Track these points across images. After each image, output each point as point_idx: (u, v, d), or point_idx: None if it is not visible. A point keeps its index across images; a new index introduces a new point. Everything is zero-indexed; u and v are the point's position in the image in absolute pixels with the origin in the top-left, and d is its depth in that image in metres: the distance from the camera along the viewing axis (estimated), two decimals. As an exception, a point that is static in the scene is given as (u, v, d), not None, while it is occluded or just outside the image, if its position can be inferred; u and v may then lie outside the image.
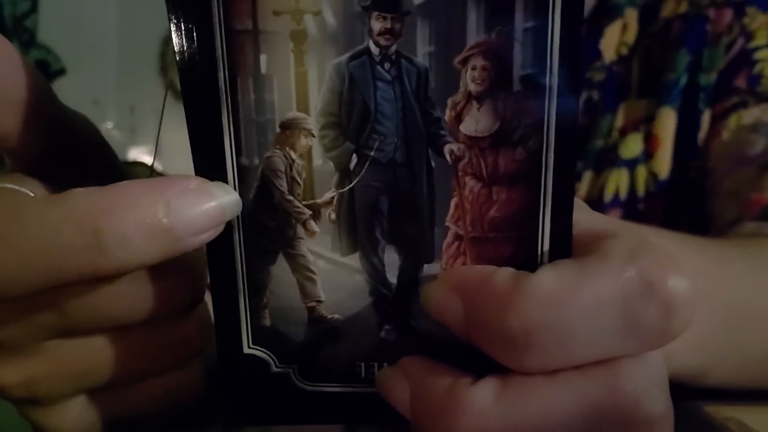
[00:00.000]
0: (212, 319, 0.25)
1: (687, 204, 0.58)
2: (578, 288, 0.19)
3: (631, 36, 0.61)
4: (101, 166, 0.28)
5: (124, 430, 0.27)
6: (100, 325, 0.23)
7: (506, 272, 0.20)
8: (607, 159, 0.59)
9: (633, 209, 0.59)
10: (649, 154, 0.59)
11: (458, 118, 0.21)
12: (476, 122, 0.21)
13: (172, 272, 0.23)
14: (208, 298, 0.26)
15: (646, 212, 0.59)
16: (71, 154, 0.26)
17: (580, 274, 0.20)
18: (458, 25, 0.21)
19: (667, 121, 0.58)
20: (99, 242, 0.19)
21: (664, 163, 0.58)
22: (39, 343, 0.23)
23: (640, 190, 0.59)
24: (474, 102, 0.21)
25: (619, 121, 0.60)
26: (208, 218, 0.21)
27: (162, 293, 0.23)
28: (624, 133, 0.60)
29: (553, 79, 0.20)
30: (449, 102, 0.21)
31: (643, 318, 0.19)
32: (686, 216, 0.58)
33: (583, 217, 0.22)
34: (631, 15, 0.61)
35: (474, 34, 0.20)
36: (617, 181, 0.59)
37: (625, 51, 0.61)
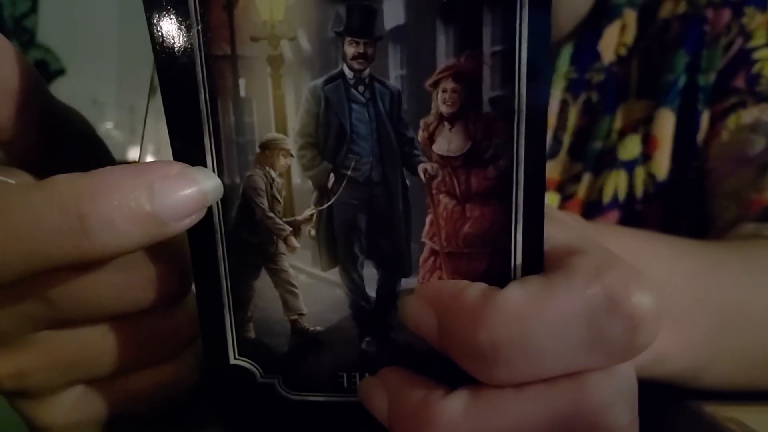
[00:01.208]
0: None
1: (686, 205, 0.58)
2: (544, 304, 0.20)
3: (629, 37, 0.61)
4: (94, 161, 0.28)
5: (120, 427, 0.28)
6: (88, 315, 0.23)
7: (477, 287, 0.21)
8: (606, 160, 0.59)
9: (631, 210, 0.59)
10: (647, 156, 0.58)
11: (431, 139, 0.22)
12: (448, 142, 0.22)
13: (158, 261, 0.23)
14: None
15: (645, 213, 0.59)
16: (63, 147, 0.26)
17: (546, 290, 0.20)
18: (428, 50, 0.21)
19: (666, 122, 0.58)
20: (83, 226, 0.19)
21: (662, 165, 0.58)
22: (28, 335, 0.23)
23: (639, 191, 0.59)
24: (445, 123, 0.22)
25: (618, 122, 0.60)
26: (190, 202, 0.21)
27: (149, 282, 0.23)
28: (623, 134, 0.59)
29: (521, 100, 0.21)
30: (422, 123, 0.22)
31: (608, 333, 0.20)
32: (685, 217, 0.58)
33: (555, 231, 0.23)
34: (630, 16, 0.61)
35: (444, 58, 0.21)
36: (616, 183, 0.59)
37: (623, 52, 0.61)
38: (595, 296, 0.20)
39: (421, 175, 0.22)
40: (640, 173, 0.59)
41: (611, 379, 0.21)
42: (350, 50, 0.21)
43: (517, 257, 0.22)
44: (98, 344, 0.24)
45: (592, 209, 0.59)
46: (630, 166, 0.59)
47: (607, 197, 0.59)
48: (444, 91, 0.21)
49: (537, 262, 0.22)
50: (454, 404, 0.21)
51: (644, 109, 0.59)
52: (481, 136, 0.22)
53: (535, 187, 0.22)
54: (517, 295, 0.20)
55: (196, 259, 0.24)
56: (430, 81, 0.21)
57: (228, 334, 0.24)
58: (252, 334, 0.25)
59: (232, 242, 0.23)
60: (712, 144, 0.57)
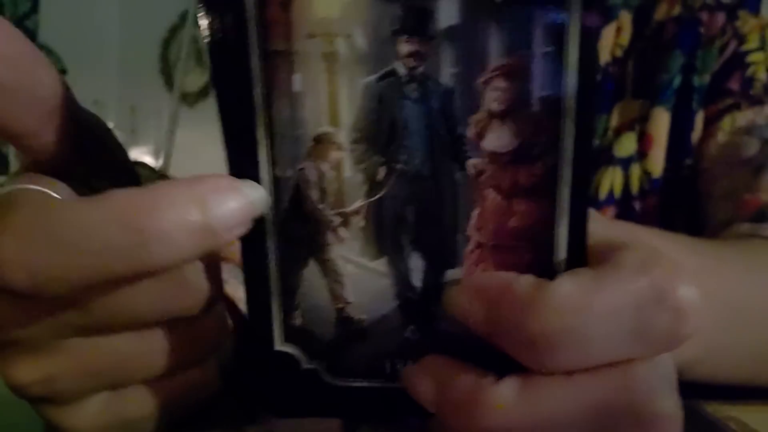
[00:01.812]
0: (228, 317, 0.26)
1: (681, 202, 0.59)
2: (595, 295, 0.21)
3: (625, 38, 0.62)
4: (113, 165, 0.28)
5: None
6: (121, 323, 0.24)
7: (527, 279, 0.22)
8: (602, 158, 0.60)
9: (627, 207, 0.59)
10: (642, 153, 0.59)
11: (480, 135, 0.23)
12: (497, 139, 0.23)
13: (192, 270, 0.24)
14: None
15: (641, 210, 0.60)
16: (86, 153, 0.26)
17: (596, 283, 0.21)
18: (481, 49, 0.22)
19: (661, 121, 0.58)
20: (142, 240, 0.20)
21: (657, 162, 0.59)
22: (58, 341, 0.24)
23: (634, 188, 0.59)
24: (495, 120, 0.22)
25: (614, 121, 0.60)
26: (240, 213, 0.22)
27: (183, 290, 0.24)
28: (619, 132, 0.60)
29: (569, 99, 0.22)
30: (472, 120, 0.23)
31: (655, 324, 0.21)
32: (680, 213, 0.59)
33: (598, 227, 0.23)
34: (626, 17, 0.62)
35: (495, 57, 0.22)
36: (612, 180, 0.60)
37: (619, 53, 0.62)
38: (643, 289, 0.21)
39: (470, 170, 0.23)
40: (635, 170, 0.59)
41: (656, 368, 0.22)
42: (404, 48, 0.22)
43: (561, 252, 0.23)
44: (128, 351, 0.25)
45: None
46: (626, 163, 0.60)
47: (603, 193, 0.60)
48: (495, 90, 0.22)
49: (580, 256, 0.23)
50: (506, 390, 0.22)
51: (640, 108, 0.60)
52: (530, 133, 0.22)
53: (581, 184, 0.23)
54: (569, 286, 0.21)
55: (246, 248, 0.24)
56: (481, 79, 0.22)
57: (274, 321, 0.25)
58: (298, 322, 0.25)
59: (282, 232, 0.24)
60: (706, 145, 0.58)
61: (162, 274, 0.23)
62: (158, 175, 0.29)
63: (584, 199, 0.23)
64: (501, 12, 0.22)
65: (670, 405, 0.21)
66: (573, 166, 0.22)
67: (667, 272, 0.21)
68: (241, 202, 0.22)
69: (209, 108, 0.24)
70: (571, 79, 0.22)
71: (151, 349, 0.25)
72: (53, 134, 0.24)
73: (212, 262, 0.24)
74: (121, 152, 0.29)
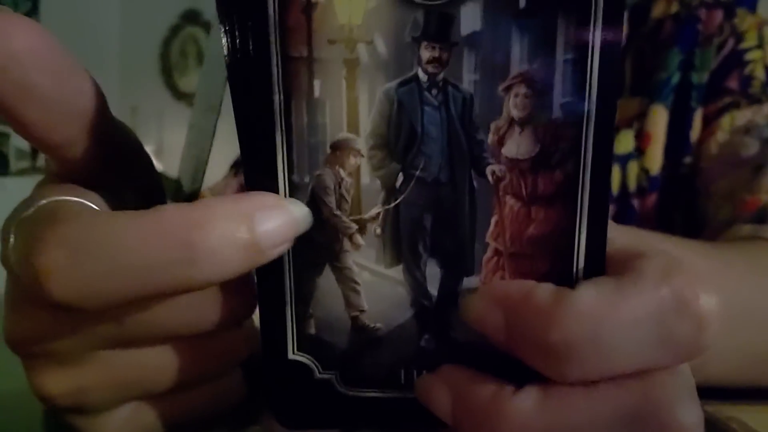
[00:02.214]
0: (257, 327, 0.26)
1: (678, 199, 0.59)
2: (616, 305, 0.21)
3: None
4: (140, 174, 0.29)
5: None
6: (154, 337, 0.24)
7: (547, 287, 0.22)
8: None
9: (625, 204, 0.60)
10: (640, 151, 0.60)
11: (500, 142, 0.23)
12: (517, 146, 0.23)
13: (225, 285, 0.24)
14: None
15: (638, 207, 0.60)
16: (115, 162, 0.26)
17: (617, 292, 0.21)
18: (502, 55, 0.22)
19: (659, 119, 0.59)
20: (192, 255, 0.20)
21: (655, 160, 0.59)
22: (89, 353, 0.24)
23: (632, 185, 0.60)
24: (516, 127, 0.22)
25: None
26: (285, 230, 0.22)
27: (216, 305, 0.24)
28: (617, 130, 0.60)
29: (591, 107, 0.22)
30: (492, 126, 0.23)
31: (677, 333, 0.21)
32: (678, 211, 0.60)
33: (617, 235, 0.23)
34: None
35: (517, 64, 0.22)
36: None
37: None
38: (665, 298, 0.21)
39: (489, 177, 0.23)
40: (633, 168, 0.60)
41: (677, 378, 0.21)
42: (426, 54, 0.22)
43: (580, 260, 0.23)
44: (158, 364, 0.25)
45: None
46: (623, 161, 0.60)
47: None
48: (516, 96, 0.22)
49: (599, 264, 0.23)
50: (526, 400, 0.22)
51: (638, 105, 0.60)
52: (550, 140, 0.22)
53: (600, 192, 0.22)
54: (590, 295, 0.21)
55: None
56: (503, 86, 0.22)
57: (288, 329, 0.25)
58: (312, 330, 0.25)
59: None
60: (705, 144, 0.58)
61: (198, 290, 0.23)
62: (176, 185, 0.29)
63: (604, 206, 0.23)
64: (523, 18, 0.22)
65: (692, 414, 0.21)
66: (593, 173, 0.22)
67: (688, 281, 0.21)
68: (286, 219, 0.22)
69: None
70: (593, 87, 0.22)
71: (179, 361, 0.25)
72: (88, 145, 0.24)
73: (245, 277, 0.24)
74: (145, 156, 0.29)
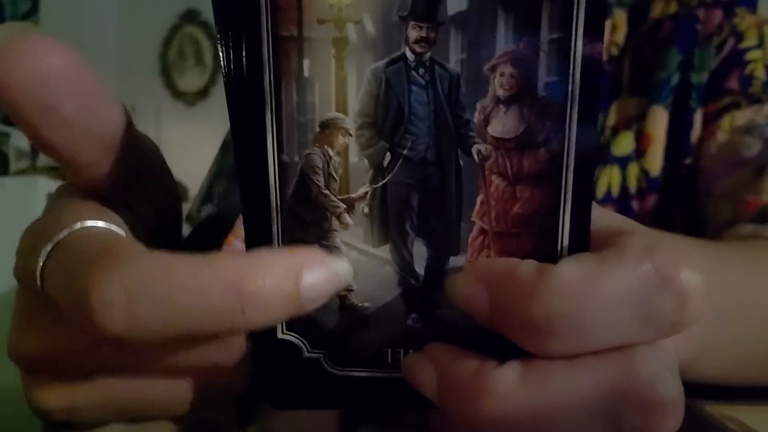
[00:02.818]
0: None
1: (679, 201, 0.59)
2: (598, 279, 0.21)
3: (620, 36, 0.62)
4: (161, 190, 0.29)
5: None
6: (156, 368, 0.25)
7: (530, 264, 0.22)
8: (600, 157, 0.61)
9: (625, 206, 0.60)
10: (640, 152, 0.60)
11: (486, 121, 0.23)
12: (503, 125, 0.23)
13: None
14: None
15: (638, 209, 0.60)
16: (137, 180, 0.27)
17: (599, 267, 0.21)
18: (488, 35, 0.22)
19: (659, 119, 0.59)
20: (242, 305, 0.21)
21: (655, 161, 0.59)
22: (89, 374, 0.24)
23: (632, 186, 0.60)
24: (501, 106, 0.23)
25: (611, 119, 0.61)
26: (327, 287, 0.22)
27: (227, 349, 0.24)
28: (616, 131, 0.61)
29: (574, 86, 0.22)
30: (478, 106, 0.23)
31: (658, 308, 0.21)
32: (678, 212, 0.60)
33: (601, 215, 0.24)
34: (620, 16, 0.62)
35: (503, 44, 0.22)
36: (609, 178, 0.60)
37: (615, 51, 0.62)
38: (647, 273, 0.21)
39: (475, 156, 0.23)
40: (633, 169, 0.60)
41: (658, 353, 0.22)
42: (413, 34, 0.22)
43: (565, 238, 0.23)
44: (154, 393, 0.25)
45: None
46: (623, 162, 0.60)
47: (600, 192, 0.60)
48: (501, 75, 0.22)
49: (584, 243, 0.23)
50: (508, 374, 0.22)
51: (637, 106, 0.60)
52: (535, 119, 0.23)
53: (585, 171, 0.23)
54: (572, 270, 0.21)
55: (249, 233, 0.24)
56: (488, 65, 0.22)
57: None
58: None
59: (286, 218, 0.24)
60: (706, 144, 0.58)
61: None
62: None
63: (588, 185, 0.23)
64: None
65: (673, 388, 0.21)
66: (577, 152, 0.23)
67: (671, 257, 0.21)
68: (330, 276, 0.23)
69: (209, 108, 0.24)
70: (576, 66, 0.22)
71: (178, 393, 0.25)
72: (112, 167, 0.25)
73: None
74: (167, 174, 0.30)
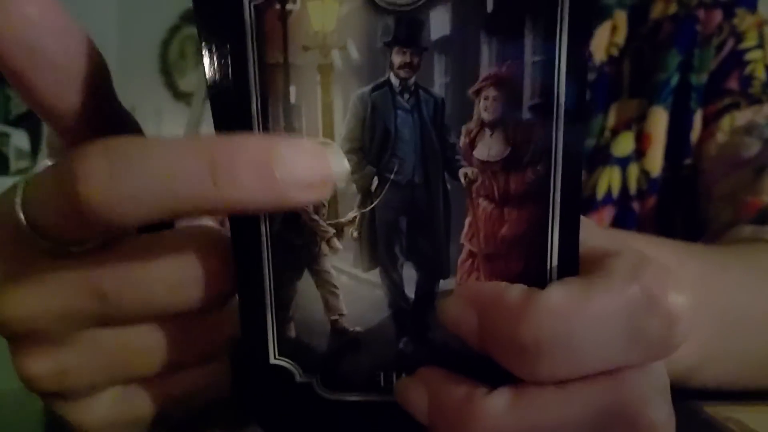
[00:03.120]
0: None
1: (679, 201, 0.59)
2: (585, 303, 0.21)
3: (620, 37, 0.62)
4: None
5: (155, 429, 0.28)
6: (137, 314, 0.24)
7: (518, 288, 0.22)
8: (599, 157, 0.60)
9: (625, 207, 0.60)
10: (640, 153, 0.60)
11: (472, 144, 0.23)
12: (488, 148, 0.23)
13: (209, 260, 0.24)
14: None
15: (639, 210, 0.60)
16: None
17: (586, 290, 0.21)
18: (472, 59, 0.22)
19: (659, 120, 0.59)
20: (213, 174, 0.20)
21: (655, 162, 0.59)
22: (74, 333, 0.24)
23: (632, 187, 0.60)
24: (486, 129, 0.23)
25: (611, 120, 0.61)
26: (313, 174, 0.21)
27: (200, 281, 0.24)
28: (616, 132, 0.61)
29: (559, 107, 0.22)
30: (463, 129, 0.23)
31: (647, 330, 0.21)
32: (679, 213, 0.59)
33: (590, 235, 0.24)
34: (620, 16, 0.62)
35: (486, 67, 0.22)
36: (609, 179, 0.60)
37: (615, 52, 0.62)
38: (634, 295, 0.21)
39: (462, 179, 0.23)
40: (633, 170, 0.60)
41: (648, 376, 0.22)
42: (397, 59, 0.22)
43: (554, 259, 0.23)
44: (142, 344, 0.25)
45: (585, 205, 0.60)
46: (623, 163, 0.60)
47: (600, 193, 0.60)
48: (486, 99, 0.22)
49: (573, 263, 0.23)
50: (498, 401, 0.22)
51: (637, 107, 0.60)
52: (520, 141, 0.23)
53: (572, 191, 0.23)
54: (559, 294, 0.21)
55: (240, 260, 0.24)
56: (472, 89, 0.22)
57: (269, 333, 0.25)
58: (293, 334, 0.25)
59: (276, 243, 0.24)
60: (706, 145, 0.58)
61: (179, 264, 0.23)
62: None
63: (576, 205, 0.23)
64: (491, 22, 0.22)
65: (663, 413, 0.21)
66: (564, 173, 0.22)
67: (657, 278, 0.21)
68: (318, 165, 0.22)
69: (209, 108, 0.24)
70: (561, 87, 0.22)
71: (163, 342, 0.25)
72: (92, 115, 0.24)
73: (227, 255, 0.24)
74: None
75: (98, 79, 0.24)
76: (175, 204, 0.21)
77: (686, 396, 0.36)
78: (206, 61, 0.22)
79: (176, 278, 0.24)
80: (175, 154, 0.21)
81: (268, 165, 0.21)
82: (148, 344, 0.25)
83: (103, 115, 0.25)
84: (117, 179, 0.20)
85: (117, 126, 0.26)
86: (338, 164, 0.22)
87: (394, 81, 0.23)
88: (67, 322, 0.24)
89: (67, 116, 0.24)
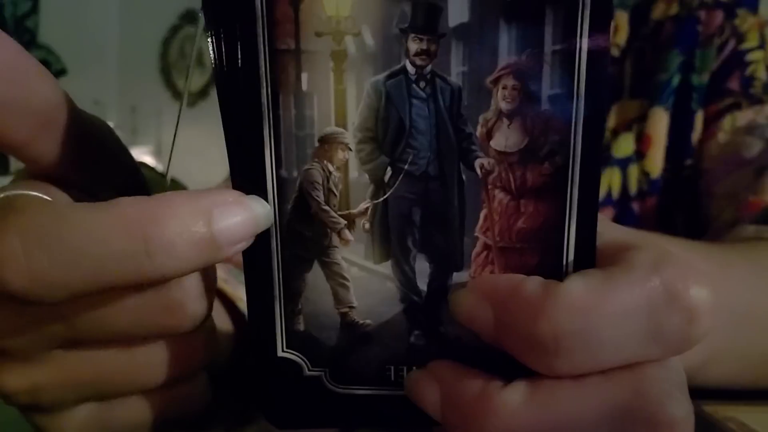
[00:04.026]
0: (217, 332, 0.26)
1: (680, 203, 0.59)
2: (605, 296, 0.20)
3: (622, 37, 0.62)
4: (117, 170, 0.28)
5: None
6: (107, 338, 0.24)
7: (536, 280, 0.22)
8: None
9: (625, 208, 0.59)
10: (641, 154, 0.59)
11: (489, 135, 0.22)
12: (506, 138, 0.22)
13: (179, 286, 0.23)
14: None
15: (639, 211, 0.59)
16: (87, 159, 0.26)
17: (607, 283, 0.21)
18: (490, 47, 0.22)
19: (660, 121, 0.58)
20: (147, 249, 0.20)
21: (656, 163, 0.59)
22: (45, 352, 0.24)
23: (633, 188, 0.59)
24: (504, 119, 0.22)
25: (612, 121, 0.61)
26: (244, 228, 0.22)
27: (169, 307, 0.23)
28: (616, 132, 0.60)
29: (579, 99, 0.22)
30: (480, 119, 0.22)
31: (667, 325, 0.20)
32: (679, 214, 0.59)
33: (607, 228, 0.23)
34: (622, 17, 0.62)
35: (505, 56, 0.22)
36: (610, 180, 0.60)
37: (616, 53, 0.62)
38: (655, 289, 0.20)
39: (478, 170, 0.23)
40: (634, 171, 0.59)
41: (667, 372, 0.21)
42: (413, 47, 0.22)
43: (570, 253, 0.23)
44: (114, 365, 0.24)
45: None
46: (624, 164, 0.59)
47: (601, 194, 0.59)
48: (504, 88, 0.22)
49: (589, 258, 0.23)
50: (514, 394, 0.21)
51: (638, 108, 0.60)
52: (539, 132, 0.22)
53: (590, 185, 0.22)
54: (579, 287, 0.21)
55: (248, 251, 0.24)
56: (491, 78, 0.22)
57: (277, 326, 0.25)
58: (301, 327, 0.25)
59: (286, 235, 0.24)
60: (707, 145, 0.58)
61: (147, 291, 0.23)
62: (162, 177, 0.29)
63: (593, 199, 0.22)
64: (511, 10, 0.21)
65: (682, 408, 0.21)
66: (582, 165, 0.22)
67: (679, 273, 0.21)
68: (246, 216, 0.22)
69: (209, 107, 0.23)
70: (581, 78, 0.21)
71: (136, 364, 0.25)
72: (51, 143, 0.24)
73: (203, 280, 0.24)
74: (125, 155, 0.29)
75: (52, 111, 0.23)
76: (107, 280, 0.20)
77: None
78: (213, 47, 0.22)
79: (143, 305, 0.23)
80: (102, 232, 0.20)
81: (202, 229, 0.21)
82: (118, 366, 0.25)
83: (64, 141, 0.24)
84: (37, 261, 0.20)
85: (81, 142, 0.25)
86: (261, 209, 0.23)
87: (410, 69, 0.22)
88: (36, 342, 0.23)
89: (22, 149, 0.24)
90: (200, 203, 0.21)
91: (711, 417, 0.33)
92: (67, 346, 0.24)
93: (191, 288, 0.23)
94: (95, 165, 0.27)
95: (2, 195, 0.23)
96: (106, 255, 0.20)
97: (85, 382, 0.25)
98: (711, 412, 0.34)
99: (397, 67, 0.22)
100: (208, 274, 0.24)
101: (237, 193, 0.22)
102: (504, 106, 0.22)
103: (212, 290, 0.24)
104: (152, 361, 0.25)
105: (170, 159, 0.31)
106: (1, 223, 0.20)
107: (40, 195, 0.24)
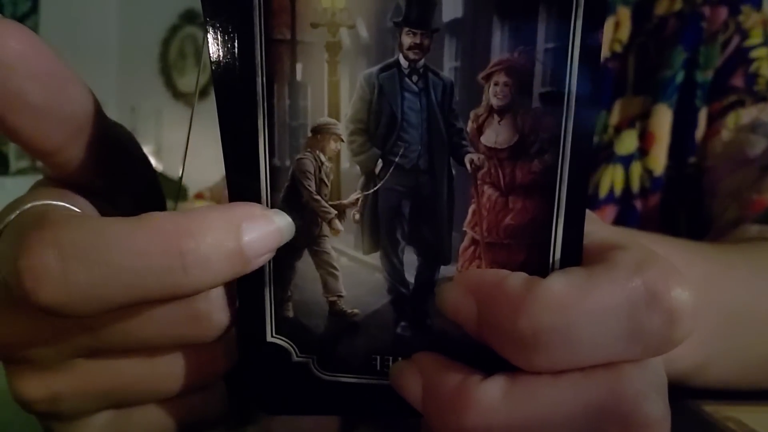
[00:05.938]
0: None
1: (683, 200, 0.59)
2: (586, 294, 0.21)
3: (624, 33, 0.61)
4: (139, 179, 0.29)
5: None
6: (130, 348, 0.24)
7: (519, 276, 0.22)
8: (602, 155, 0.60)
9: (628, 205, 0.59)
10: (644, 151, 0.59)
11: (479, 130, 0.23)
12: (496, 135, 0.23)
13: (205, 298, 0.23)
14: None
15: (642, 208, 0.59)
16: (110, 168, 0.26)
17: (588, 281, 0.21)
18: (483, 43, 0.22)
19: (663, 118, 0.58)
20: (183, 263, 0.20)
21: (659, 160, 0.58)
22: (67, 361, 0.24)
23: (635, 186, 0.59)
24: (495, 115, 0.22)
25: (615, 118, 0.60)
26: (270, 241, 0.22)
27: (194, 318, 0.24)
28: (619, 129, 0.60)
29: (570, 97, 0.22)
30: (472, 114, 0.23)
31: (647, 326, 0.21)
32: (682, 212, 0.59)
33: (594, 228, 0.23)
34: (624, 13, 0.62)
35: (498, 52, 0.22)
36: (612, 177, 0.59)
37: (619, 48, 0.61)
38: (636, 289, 0.21)
39: (468, 166, 0.23)
40: (636, 168, 0.59)
41: (645, 372, 0.21)
42: (407, 40, 0.22)
43: (557, 251, 0.23)
44: (135, 375, 0.25)
45: (588, 203, 0.59)
46: (626, 161, 0.59)
47: (603, 191, 0.59)
48: (496, 84, 0.22)
49: (576, 256, 0.23)
50: (492, 388, 0.22)
51: (641, 104, 0.60)
52: (529, 129, 0.22)
53: (579, 183, 0.23)
54: (560, 284, 0.21)
55: None
56: (483, 74, 0.22)
57: (267, 312, 0.25)
58: (290, 314, 0.25)
59: None
60: (710, 142, 0.58)
61: (174, 302, 0.23)
62: (178, 186, 0.29)
63: (582, 198, 0.23)
64: (504, 6, 0.22)
65: (658, 409, 0.21)
66: (571, 164, 0.22)
67: (661, 274, 0.21)
68: (272, 229, 0.22)
69: (209, 108, 0.24)
70: (573, 77, 0.22)
71: (158, 374, 0.25)
72: (80, 149, 0.24)
73: (226, 290, 0.24)
74: (145, 163, 0.29)
75: (85, 119, 0.24)
76: (143, 294, 0.21)
77: (686, 396, 0.36)
78: (210, 36, 0.22)
79: (169, 316, 0.23)
80: (140, 247, 0.20)
81: (233, 242, 0.21)
82: (140, 375, 0.25)
83: (92, 149, 0.25)
84: (74, 277, 0.20)
85: (107, 151, 0.26)
86: (284, 222, 0.23)
87: (403, 62, 0.22)
88: (60, 351, 0.24)
89: (52, 155, 0.24)
90: (230, 217, 0.22)
91: (711, 417, 0.34)
92: (89, 355, 0.24)
93: (217, 299, 0.24)
94: (117, 172, 0.27)
95: (30, 205, 0.23)
96: (143, 270, 0.20)
97: (105, 390, 0.25)
98: (711, 412, 0.34)
99: (391, 60, 0.22)
100: (230, 284, 0.24)
101: (262, 207, 0.23)
102: (495, 102, 0.22)
103: (234, 300, 0.25)
104: (173, 371, 0.25)
105: (184, 164, 0.31)
106: (37, 235, 0.20)
107: (69, 206, 0.24)
